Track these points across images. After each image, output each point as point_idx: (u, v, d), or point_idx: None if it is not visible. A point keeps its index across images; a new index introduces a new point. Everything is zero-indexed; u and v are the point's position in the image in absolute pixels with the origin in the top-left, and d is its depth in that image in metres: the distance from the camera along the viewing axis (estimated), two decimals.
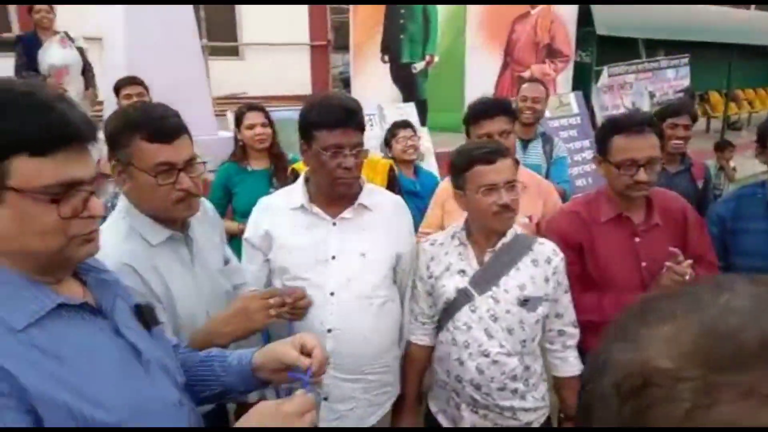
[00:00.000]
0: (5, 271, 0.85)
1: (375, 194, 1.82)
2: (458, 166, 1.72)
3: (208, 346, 1.29)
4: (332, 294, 1.69)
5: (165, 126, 1.36)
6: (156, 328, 1.08)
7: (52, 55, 4.46)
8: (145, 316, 1.05)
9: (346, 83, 10.30)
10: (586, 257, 1.90)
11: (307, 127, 1.66)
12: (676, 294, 0.44)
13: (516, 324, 1.66)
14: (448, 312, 1.73)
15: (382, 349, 1.76)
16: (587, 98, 7.01)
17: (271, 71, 10.01)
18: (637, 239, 1.88)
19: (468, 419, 1.73)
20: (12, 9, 8.50)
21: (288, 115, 4.26)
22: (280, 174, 2.99)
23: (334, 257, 1.70)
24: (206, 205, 1.68)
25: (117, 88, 3.42)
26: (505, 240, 1.71)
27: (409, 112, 5.80)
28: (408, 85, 7.74)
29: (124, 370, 0.94)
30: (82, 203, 0.88)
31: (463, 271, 1.72)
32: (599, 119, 6.98)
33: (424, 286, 1.80)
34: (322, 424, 1.73)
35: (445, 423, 1.80)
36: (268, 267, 1.78)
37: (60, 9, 4.71)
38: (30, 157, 0.83)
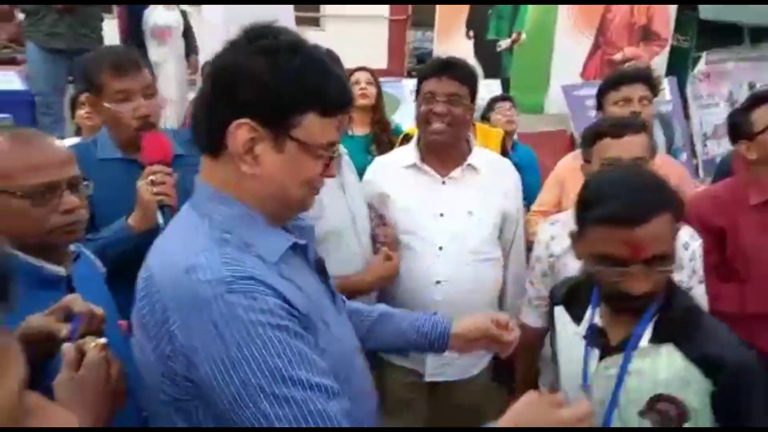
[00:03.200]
0: (254, 214, 0.93)
1: (484, 156, 1.90)
2: (587, 138, 1.68)
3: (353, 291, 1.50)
4: (441, 248, 1.78)
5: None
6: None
7: (157, 15, 4.60)
8: (324, 268, 1.09)
9: (420, 59, 10.18)
10: (727, 243, 1.79)
11: (418, 84, 1.83)
12: None
13: None
14: None
15: (486, 302, 1.84)
16: (682, 85, 6.65)
17: (350, 43, 9.96)
18: None
19: None
20: None
21: None
22: (380, 141, 2.98)
23: (442, 214, 1.79)
24: (349, 163, 1.85)
25: None
26: None
27: (494, 89, 5.67)
28: (491, 62, 7.54)
29: (334, 311, 1.03)
30: (330, 162, 0.97)
31: None
32: (693, 108, 6.60)
33: (541, 266, 1.76)
34: (429, 370, 1.85)
35: None
36: (381, 221, 1.86)
37: None
38: (320, 116, 0.92)
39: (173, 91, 4.55)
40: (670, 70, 7.32)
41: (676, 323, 1.13)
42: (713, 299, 1.68)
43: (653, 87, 2.15)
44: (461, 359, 1.83)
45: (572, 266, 1.64)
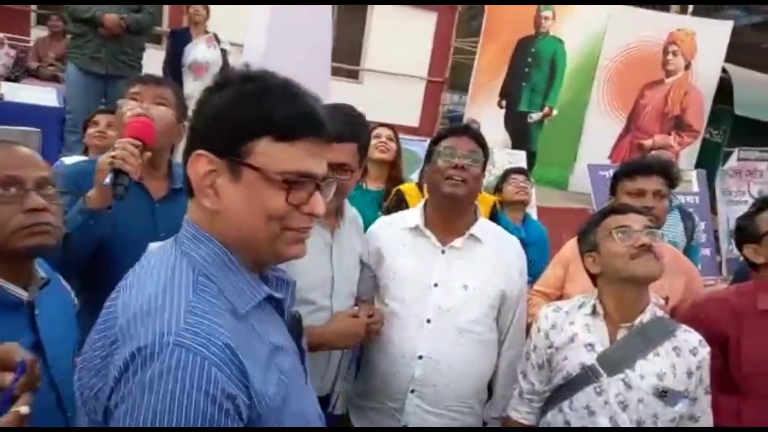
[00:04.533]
0: (231, 257, 0.88)
1: (489, 228, 1.81)
2: (588, 225, 1.65)
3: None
4: (428, 321, 1.68)
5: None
6: None
7: (198, 51, 4.75)
8: (298, 326, 1.03)
9: (451, 121, 10.32)
10: (729, 353, 1.68)
11: (430, 147, 1.78)
12: None
13: (649, 418, 1.47)
14: (565, 390, 1.56)
15: (470, 388, 1.71)
16: (711, 178, 6.57)
17: (385, 99, 10.19)
18: None
19: None
20: (165, 6, 9.25)
21: None
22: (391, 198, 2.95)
23: (436, 284, 1.70)
24: (355, 213, 1.80)
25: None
26: (644, 317, 1.54)
27: (519, 159, 5.67)
28: (520, 133, 7.61)
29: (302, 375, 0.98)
30: (307, 197, 0.89)
31: (591, 345, 1.55)
32: (720, 203, 6.49)
33: (538, 357, 1.65)
34: None
35: None
36: (373, 283, 1.79)
37: (213, 11, 5.02)
38: (275, 141, 0.86)
39: None
40: (700, 163, 7.27)
41: None
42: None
43: (672, 181, 2.04)
44: None
45: (574, 360, 1.55)
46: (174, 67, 4.82)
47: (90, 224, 1.48)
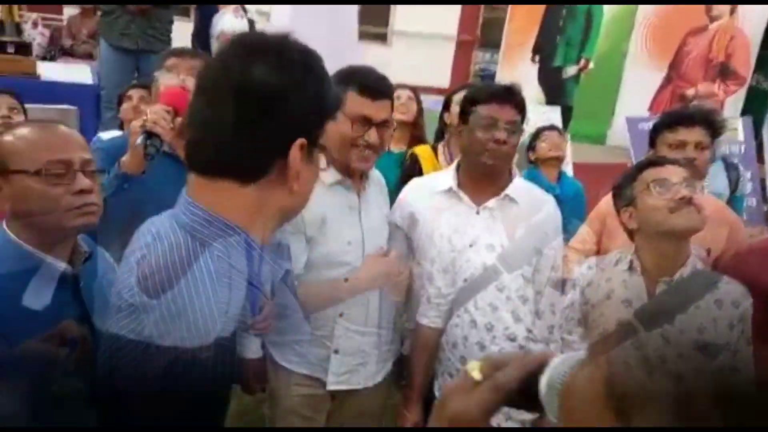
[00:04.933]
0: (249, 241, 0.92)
1: (524, 187, 1.80)
2: (624, 179, 1.61)
3: (343, 298, 1.55)
4: (465, 281, 1.69)
5: (377, 86, 1.57)
6: None
7: (225, 21, 4.76)
8: None
9: (483, 80, 10.09)
10: None
11: (465, 105, 1.73)
12: None
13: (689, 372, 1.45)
14: (470, 290, 1.67)
15: (393, 304, 1.77)
16: (758, 127, 6.27)
17: (415, 60, 10.02)
18: None
19: None
20: None
21: (426, 105, 4.24)
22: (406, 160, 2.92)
23: (472, 245, 1.69)
24: (378, 175, 1.82)
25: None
26: (684, 271, 1.51)
27: (553, 117, 5.52)
28: (555, 88, 7.38)
29: None
30: None
31: (628, 301, 1.53)
32: None
33: (441, 261, 1.72)
34: (332, 378, 1.72)
35: None
36: (407, 244, 1.80)
37: None
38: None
39: None
40: (746, 111, 6.94)
41: None
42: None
43: (715, 131, 1.97)
44: (367, 366, 1.74)
45: (610, 318, 1.53)
46: (202, 38, 4.86)
47: (124, 188, 1.55)
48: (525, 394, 0.56)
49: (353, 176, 1.66)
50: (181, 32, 4.91)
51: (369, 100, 1.55)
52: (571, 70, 7.37)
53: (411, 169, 2.60)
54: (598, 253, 2.05)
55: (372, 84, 1.57)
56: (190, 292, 0.80)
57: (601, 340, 0.56)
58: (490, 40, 10.43)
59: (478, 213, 1.72)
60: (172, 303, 0.80)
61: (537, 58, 7.45)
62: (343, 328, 1.69)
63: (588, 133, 6.90)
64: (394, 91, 3.04)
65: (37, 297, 1.10)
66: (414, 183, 1.92)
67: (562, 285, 1.81)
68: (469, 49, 11.25)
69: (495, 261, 1.64)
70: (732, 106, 7.31)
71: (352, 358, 1.73)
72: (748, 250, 1.79)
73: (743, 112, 6.93)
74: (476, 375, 0.57)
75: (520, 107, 1.69)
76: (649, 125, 5.07)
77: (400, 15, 10.71)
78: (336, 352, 1.70)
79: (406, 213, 1.78)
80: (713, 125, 1.96)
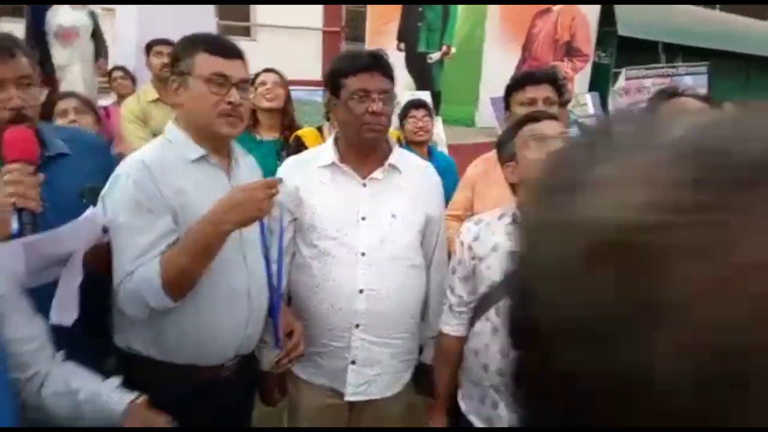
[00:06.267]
0: None
1: (404, 156, 1.80)
2: (505, 135, 1.65)
3: (210, 236, 1.39)
4: (363, 254, 1.65)
5: (227, 44, 1.51)
6: None
7: (62, 15, 4.31)
8: None
9: None
10: None
11: (334, 78, 1.66)
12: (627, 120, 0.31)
13: None
14: (491, 297, 1.59)
15: (409, 312, 1.74)
16: (604, 100, 6.88)
17: (283, 54, 9.82)
18: None
19: (506, 419, 1.58)
20: None
21: (297, 96, 4.13)
22: (290, 146, 2.83)
23: (364, 218, 1.67)
24: (255, 164, 1.72)
25: (149, 46, 3.49)
26: None
27: (424, 102, 5.65)
28: (422, 74, 7.58)
29: None
30: None
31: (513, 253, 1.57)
32: None
33: (463, 270, 1.67)
34: (350, 390, 1.70)
35: (478, 424, 1.66)
36: (294, 227, 1.71)
37: None
38: None
39: None
40: (593, 86, 7.59)
41: None
42: None
43: (559, 89, 2.11)
44: (384, 376, 1.72)
45: (497, 268, 1.57)
46: (38, 37, 4.35)
47: None
48: None
49: (220, 151, 1.55)
50: (16, 33, 4.37)
51: (221, 59, 1.46)
52: (435, 56, 7.61)
53: (297, 153, 2.51)
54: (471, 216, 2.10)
55: (220, 43, 1.50)
56: None
57: None
58: (357, 33, 10.50)
59: (365, 186, 1.69)
60: None
61: (402, 46, 7.60)
62: (360, 339, 1.67)
63: (457, 117, 7.18)
64: (259, 77, 2.95)
65: None
66: (291, 160, 1.85)
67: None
68: (336, 41, 11.23)
69: None
70: (580, 82, 7.97)
71: (369, 369, 1.70)
72: None
73: (590, 88, 7.59)
74: None
75: (389, 74, 1.66)
76: None
77: (261, 8, 10.44)
78: (353, 363, 1.68)
79: (289, 190, 1.69)
80: (556, 81, 2.10)
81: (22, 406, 1.15)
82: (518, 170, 1.59)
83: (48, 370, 1.19)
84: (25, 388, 1.16)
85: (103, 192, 1.47)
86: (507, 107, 2.11)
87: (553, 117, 1.64)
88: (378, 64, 1.64)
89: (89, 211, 1.41)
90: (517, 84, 2.07)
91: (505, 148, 1.64)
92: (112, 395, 1.19)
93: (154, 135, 2.51)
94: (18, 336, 1.14)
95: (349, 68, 1.63)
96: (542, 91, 2.02)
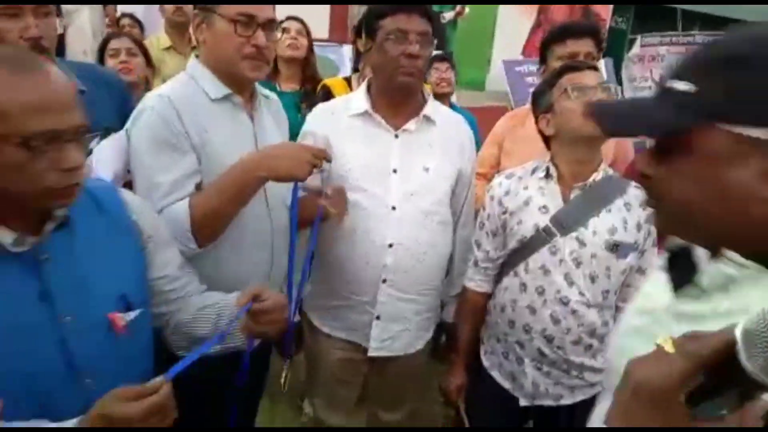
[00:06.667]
0: None
1: (438, 108, 1.73)
2: (543, 85, 1.59)
3: (245, 179, 1.34)
4: (393, 208, 1.60)
5: None
6: None
7: None
8: None
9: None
10: None
11: (370, 20, 1.60)
12: None
13: (602, 271, 1.48)
14: (521, 253, 1.55)
15: (436, 270, 1.70)
16: (618, 66, 6.74)
17: (289, 12, 9.62)
18: None
19: (530, 375, 1.57)
20: None
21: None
22: (310, 99, 2.74)
23: (395, 170, 1.62)
24: (278, 104, 1.67)
25: None
26: (596, 176, 1.52)
27: (447, 56, 5.54)
28: (435, 34, 7.41)
29: None
30: None
31: (544, 207, 1.53)
32: (627, 90, 6.71)
33: (491, 224, 1.63)
34: (374, 344, 1.68)
35: (501, 380, 1.64)
36: (320, 177, 1.63)
37: None
38: None
39: (88, 44, 4.13)
40: (608, 51, 7.42)
41: None
42: None
43: (600, 44, 2.02)
44: (407, 332, 1.71)
45: (528, 223, 1.53)
46: None
47: None
48: (722, 367, 0.48)
49: (243, 93, 1.49)
50: None
51: None
52: (448, 15, 7.42)
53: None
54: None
55: None
56: None
57: None
58: None
59: (397, 137, 1.63)
60: None
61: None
62: (387, 294, 1.64)
63: (469, 80, 7.05)
64: (282, 24, 2.84)
65: None
66: (321, 108, 1.77)
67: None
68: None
69: (548, 223, 1.52)
70: None
71: (394, 325, 1.68)
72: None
73: (605, 53, 7.43)
74: (669, 348, 0.51)
75: (429, 16, 1.59)
76: (525, 67, 5.24)
77: None
78: (378, 318, 1.67)
79: (319, 140, 1.62)
80: (598, 35, 2.01)
81: (172, 333, 1.19)
82: (555, 121, 1.53)
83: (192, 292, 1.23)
84: (172, 318, 1.19)
85: (126, 126, 1.42)
86: (543, 61, 2.03)
87: (594, 68, 1.58)
88: (417, 3, 1.57)
89: (114, 136, 1.38)
90: (556, 37, 1.99)
91: (541, 99, 1.59)
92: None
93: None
94: (165, 273, 1.17)
95: (387, 8, 1.57)
96: (584, 45, 1.94)
